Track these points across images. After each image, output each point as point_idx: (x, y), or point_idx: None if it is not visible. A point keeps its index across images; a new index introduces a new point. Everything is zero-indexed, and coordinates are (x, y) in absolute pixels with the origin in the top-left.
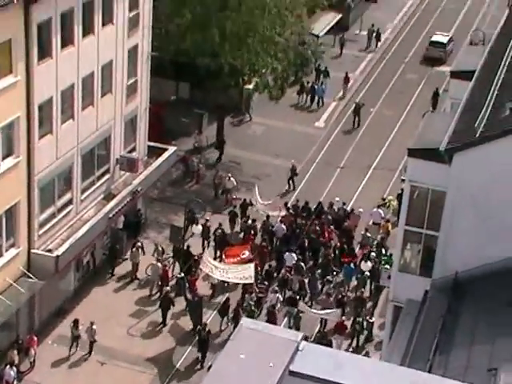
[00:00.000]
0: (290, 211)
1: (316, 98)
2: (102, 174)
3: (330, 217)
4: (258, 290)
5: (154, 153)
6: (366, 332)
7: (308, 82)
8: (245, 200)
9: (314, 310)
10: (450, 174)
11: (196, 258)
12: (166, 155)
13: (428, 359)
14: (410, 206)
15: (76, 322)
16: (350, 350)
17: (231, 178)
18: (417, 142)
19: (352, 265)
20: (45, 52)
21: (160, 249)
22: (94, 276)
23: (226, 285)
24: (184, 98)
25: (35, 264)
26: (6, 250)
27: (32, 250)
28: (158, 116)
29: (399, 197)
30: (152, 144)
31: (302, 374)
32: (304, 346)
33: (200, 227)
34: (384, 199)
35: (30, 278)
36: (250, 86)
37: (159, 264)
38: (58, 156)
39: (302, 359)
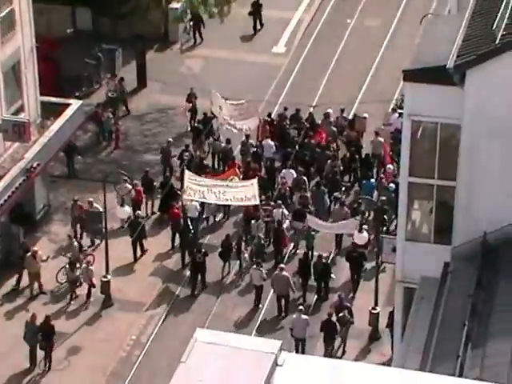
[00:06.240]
0: (271, 121)
1: None
2: None
3: (333, 128)
4: (263, 214)
5: (50, 111)
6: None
7: None
8: (205, 114)
9: (326, 224)
10: (463, 100)
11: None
12: (68, 113)
13: (457, 357)
14: (412, 149)
15: (72, 264)
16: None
17: (127, 184)
18: (415, 59)
19: (373, 180)
20: None
21: (76, 244)
22: None
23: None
24: (85, 30)
25: None
26: None
27: None
28: (50, 59)
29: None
30: (47, 99)
31: None
32: (284, 359)
33: (128, 209)
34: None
35: None
36: (178, 5)
37: (128, 185)
38: None
39: (283, 377)
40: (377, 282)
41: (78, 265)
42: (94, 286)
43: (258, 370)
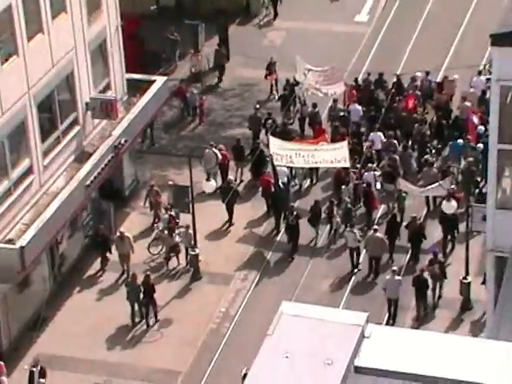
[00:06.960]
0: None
1: None
2: (69, 127)
3: (418, 92)
4: (354, 177)
5: (136, 88)
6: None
7: None
8: (288, 81)
9: (418, 189)
10: None
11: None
12: (153, 89)
13: None
14: (502, 115)
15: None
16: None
17: (213, 149)
18: (502, 23)
19: (461, 140)
20: None
21: (166, 216)
22: (76, 270)
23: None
24: (168, 7)
25: None
26: None
27: None
28: (135, 36)
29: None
30: (132, 76)
31: (372, 369)
32: (371, 331)
33: (213, 183)
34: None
35: None
36: None
37: (214, 150)
38: (4, 110)
39: (370, 349)
40: (467, 250)
41: (176, 231)
42: (193, 249)
43: (345, 343)
